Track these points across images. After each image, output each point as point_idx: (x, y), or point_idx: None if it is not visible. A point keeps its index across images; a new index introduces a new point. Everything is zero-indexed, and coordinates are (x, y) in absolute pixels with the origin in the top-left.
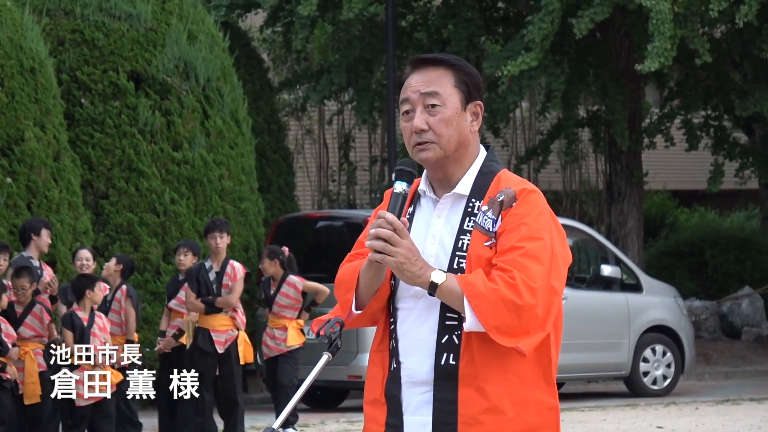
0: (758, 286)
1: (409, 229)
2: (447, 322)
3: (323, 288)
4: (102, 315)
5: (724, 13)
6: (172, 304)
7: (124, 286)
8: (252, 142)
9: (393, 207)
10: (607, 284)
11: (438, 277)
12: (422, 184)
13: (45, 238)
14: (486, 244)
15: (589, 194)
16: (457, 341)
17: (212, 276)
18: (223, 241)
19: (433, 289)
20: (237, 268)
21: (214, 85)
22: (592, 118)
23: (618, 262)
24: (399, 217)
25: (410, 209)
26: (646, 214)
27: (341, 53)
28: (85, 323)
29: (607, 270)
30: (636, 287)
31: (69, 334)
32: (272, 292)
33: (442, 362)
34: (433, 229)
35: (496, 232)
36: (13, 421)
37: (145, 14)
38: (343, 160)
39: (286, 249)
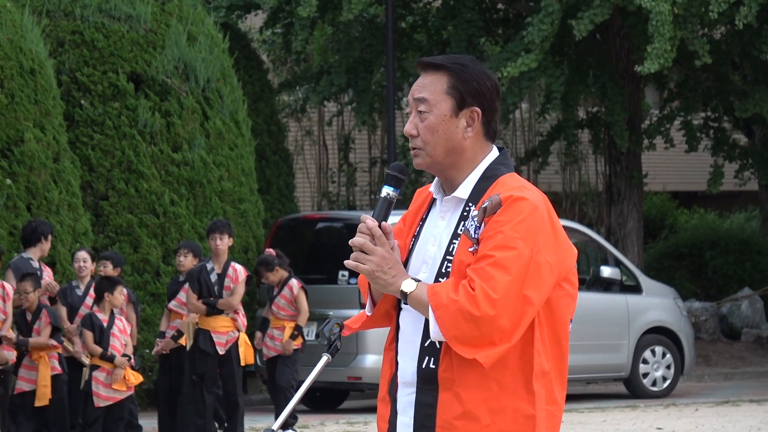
0: (758, 288)
1: (419, 232)
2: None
3: (306, 310)
4: (122, 318)
5: (723, 15)
6: (172, 305)
7: (125, 290)
8: (252, 144)
9: (378, 212)
10: (606, 285)
11: (408, 286)
12: (433, 187)
13: (50, 243)
14: (470, 249)
15: (588, 195)
16: (438, 345)
17: (214, 277)
18: (224, 242)
19: (404, 297)
20: (239, 271)
21: (213, 87)
22: (592, 120)
23: (618, 263)
24: (381, 222)
25: (426, 211)
26: (646, 216)
27: (341, 54)
28: (105, 324)
29: (606, 271)
30: (636, 288)
31: (89, 335)
32: (274, 292)
33: (424, 365)
34: (435, 231)
35: (477, 239)
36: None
37: (145, 15)
38: (342, 162)
39: (270, 250)
